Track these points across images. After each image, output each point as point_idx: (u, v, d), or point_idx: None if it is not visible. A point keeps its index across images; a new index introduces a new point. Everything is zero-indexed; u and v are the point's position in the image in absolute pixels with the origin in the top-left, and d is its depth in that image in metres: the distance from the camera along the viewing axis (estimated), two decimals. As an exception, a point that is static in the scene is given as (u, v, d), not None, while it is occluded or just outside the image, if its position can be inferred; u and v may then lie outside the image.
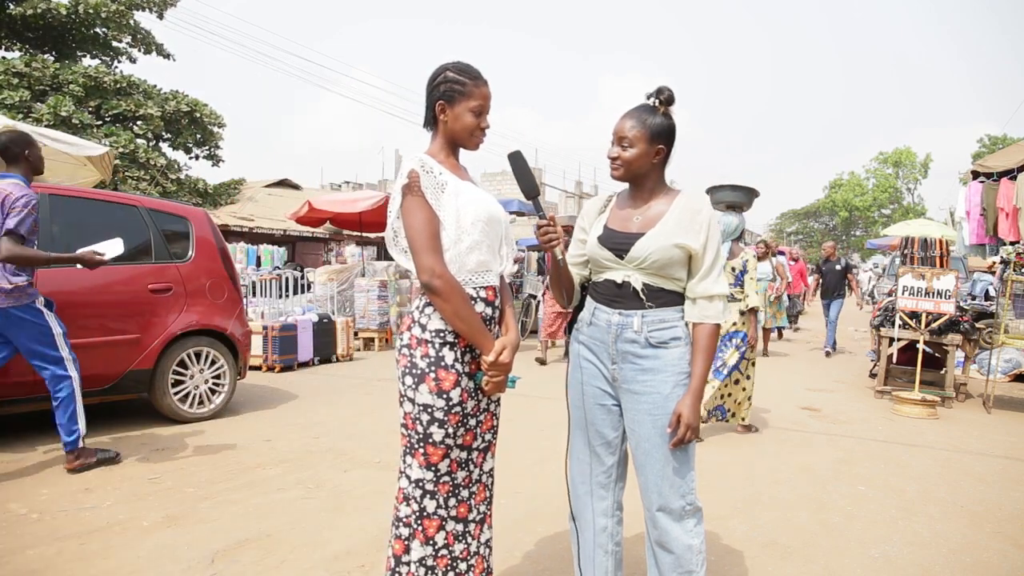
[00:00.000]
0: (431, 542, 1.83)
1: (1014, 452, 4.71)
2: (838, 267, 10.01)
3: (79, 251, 3.62)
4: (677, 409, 1.83)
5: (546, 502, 3.32)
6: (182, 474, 3.73)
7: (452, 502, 1.87)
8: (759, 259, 7.85)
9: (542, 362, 8.15)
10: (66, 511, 3.14)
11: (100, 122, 15.38)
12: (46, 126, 12.13)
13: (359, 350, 9.17)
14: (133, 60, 17.88)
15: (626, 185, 2.01)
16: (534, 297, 10.85)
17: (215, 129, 17.93)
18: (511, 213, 10.05)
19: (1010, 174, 6.01)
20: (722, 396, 4.89)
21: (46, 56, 15.71)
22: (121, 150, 14.67)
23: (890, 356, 6.75)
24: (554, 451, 4.20)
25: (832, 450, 4.59)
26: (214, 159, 18.52)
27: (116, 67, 17.32)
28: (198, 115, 17.22)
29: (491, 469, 1.99)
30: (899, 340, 6.68)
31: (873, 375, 7.39)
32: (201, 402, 4.99)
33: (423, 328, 1.82)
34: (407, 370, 1.82)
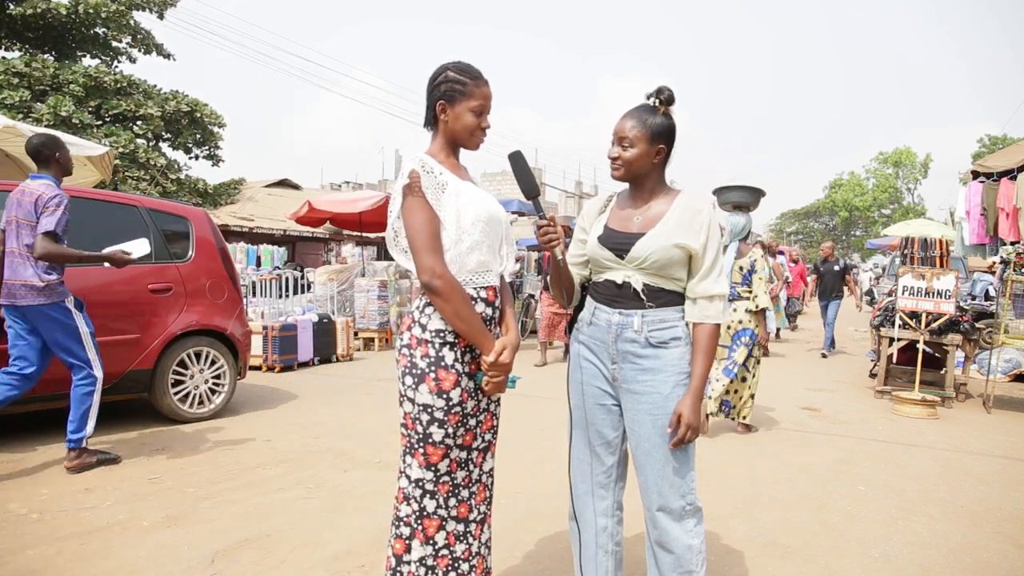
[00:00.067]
0: (431, 542, 1.83)
1: (1014, 452, 4.71)
2: (836, 268, 9.97)
3: (107, 250, 3.74)
4: (677, 409, 1.83)
5: (546, 502, 3.32)
6: (182, 474, 3.73)
7: (452, 502, 1.87)
8: None
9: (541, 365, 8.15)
10: (66, 511, 3.14)
11: (100, 122, 15.39)
12: (46, 126, 12.13)
13: (359, 350, 9.17)
14: (133, 60, 17.90)
15: (626, 185, 2.01)
16: (533, 297, 10.85)
17: (215, 129, 17.94)
18: (511, 213, 10.05)
19: (1010, 174, 6.01)
20: (727, 392, 4.94)
21: (46, 56, 15.71)
22: (121, 150, 14.68)
23: (890, 356, 6.75)
24: (554, 451, 4.20)
25: (832, 450, 4.59)
26: (214, 159, 18.52)
27: (116, 67, 17.33)
28: (198, 115, 17.23)
29: (491, 469, 1.99)
30: (899, 340, 6.68)
31: (873, 375, 7.39)
32: (201, 402, 4.99)
33: (423, 328, 1.82)
34: (407, 370, 1.82)
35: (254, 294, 9.55)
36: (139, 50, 17.45)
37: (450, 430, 1.81)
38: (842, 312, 10.26)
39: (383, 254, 16.70)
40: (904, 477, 4.02)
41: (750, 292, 4.89)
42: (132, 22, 16.63)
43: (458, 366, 1.81)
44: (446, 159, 1.90)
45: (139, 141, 16.07)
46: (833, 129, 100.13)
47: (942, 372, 6.70)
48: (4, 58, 14.56)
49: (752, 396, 4.95)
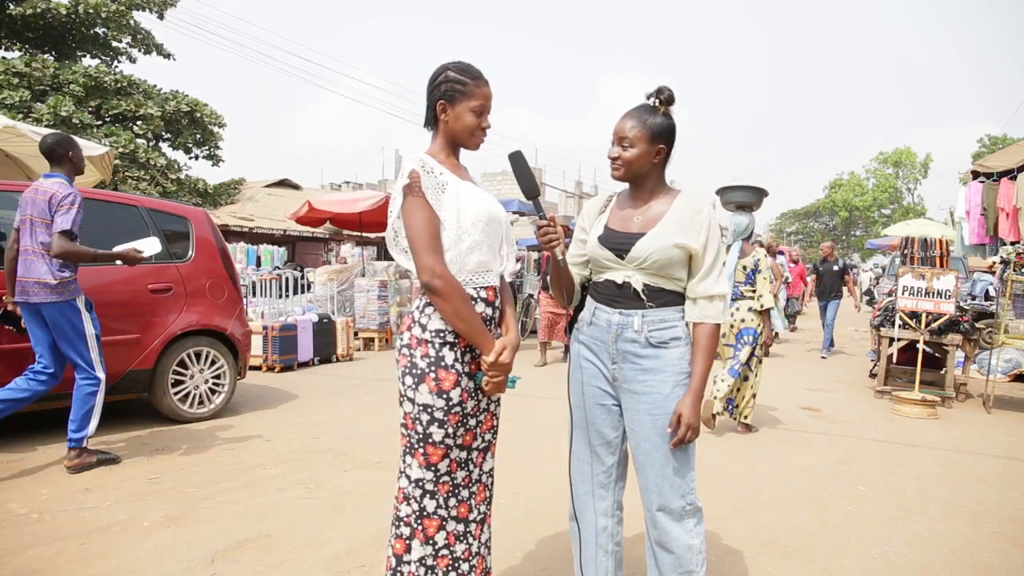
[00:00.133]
0: (431, 542, 1.83)
1: (1014, 452, 4.71)
2: (835, 268, 9.94)
3: (120, 248, 3.79)
4: (677, 409, 1.83)
5: (546, 502, 3.32)
6: (182, 474, 3.73)
7: (452, 502, 1.87)
8: None
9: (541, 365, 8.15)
10: (66, 511, 3.14)
11: (100, 122, 15.39)
12: (46, 126, 12.14)
13: (359, 350, 9.17)
14: (133, 60, 17.90)
15: (626, 185, 2.01)
16: (533, 296, 10.85)
17: (215, 129, 17.94)
18: (511, 213, 10.04)
19: (1010, 174, 6.01)
20: (717, 387, 4.95)
21: (46, 56, 15.71)
22: (121, 150, 14.68)
23: (890, 356, 6.75)
24: (554, 451, 4.20)
25: (832, 450, 4.59)
26: (214, 159, 18.53)
27: (116, 67, 17.33)
28: (198, 115, 17.23)
29: (491, 469, 1.99)
30: (899, 340, 6.68)
31: (873, 375, 7.39)
32: (201, 402, 4.99)
33: (423, 328, 1.82)
34: (407, 370, 1.82)
35: (254, 294, 9.55)
36: (139, 50, 17.45)
37: (450, 430, 1.81)
38: (841, 312, 10.25)
39: (383, 254, 16.70)
40: (904, 477, 4.02)
41: (753, 291, 4.92)
42: (132, 22, 16.63)
43: (458, 366, 1.81)
44: (446, 159, 1.90)
45: (139, 141, 16.07)
46: (833, 129, 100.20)
47: (942, 372, 6.70)
48: (4, 58, 14.56)
49: (754, 396, 4.98)
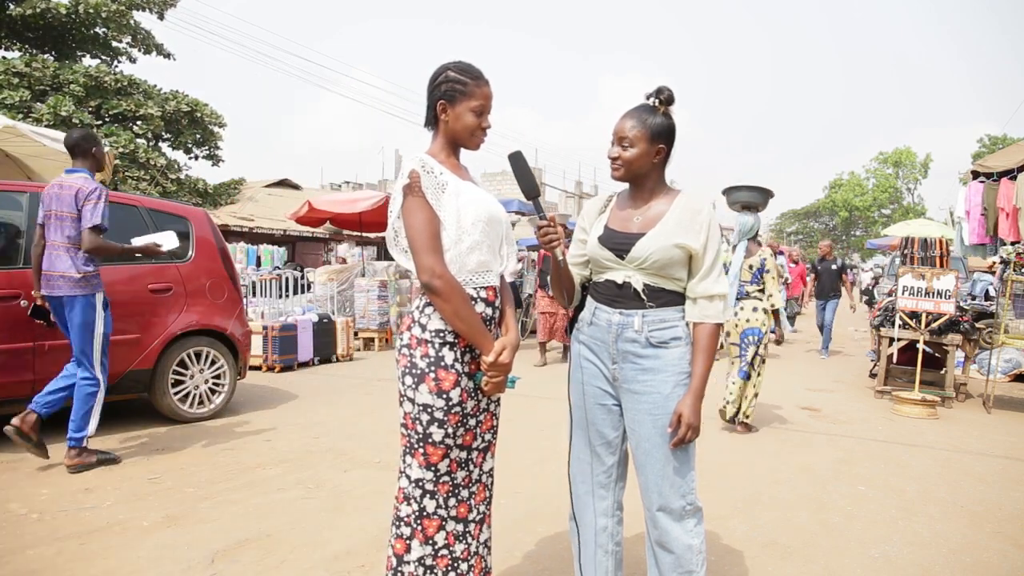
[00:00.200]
0: (431, 542, 1.83)
1: (1014, 452, 4.71)
2: (834, 267, 9.92)
3: (139, 243, 3.94)
4: (678, 409, 1.83)
5: (546, 502, 3.32)
6: (182, 474, 3.73)
7: (452, 502, 1.87)
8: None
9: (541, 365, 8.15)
10: (66, 511, 3.14)
11: (100, 122, 15.39)
12: (46, 126, 12.13)
13: (359, 350, 9.17)
14: (133, 60, 17.91)
15: (626, 185, 2.01)
16: (531, 296, 10.85)
17: (215, 129, 17.94)
18: (511, 213, 10.04)
19: (1010, 174, 6.01)
20: (728, 391, 5.02)
21: (46, 56, 15.71)
22: (121, 150, 14.68)
23: (890, 356, 6.75)
24: (554, 451, 4.20)
25: (832, 450, 4.59)
26: (214, 159, 18.52)
27: (116, 67, 17.33)
28: (198, 115, 17.23)
29: (491, 469, 1.99)
30: (899, 340, 6.68)
31: (873, 375, 7.39)
32: (201, 402, 4.99)
33: (423, 328, 1.82)
34: (407, 370, 1.82)
35: (254, 294, 9.55)
36: (139, 50, 17.45)
37: (450, 430, 1.81)
38: (839, 312, 10.23)
39: (383, 254, 16.70)
40: (904, 477, 4.02)
41: (760, 291, 4.95)
42: (132, 22, 16.62)
43: (458, 366, 1.81)
44: (446, 159, 1.90)
45: (139, 141, 16.06)
46: (833, 129, 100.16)
47: (942, 372, 6.70)
48: (4, 58, 14.56)
49: (755, 395, 5.00)
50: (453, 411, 1.80)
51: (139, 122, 16.41)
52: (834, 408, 6.05)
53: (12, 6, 14.94)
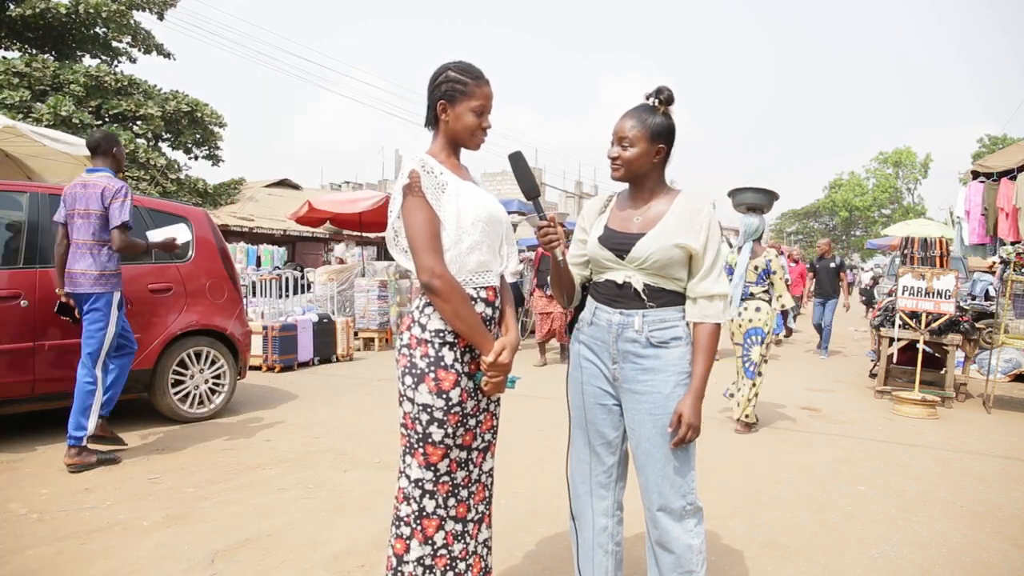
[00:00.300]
0: (430, 541, 1.83)
1: (1014, 452, 4.71)
2: (832, 265, 9.91)
3: (158, 238, 4.08)
4: (678, 409, 1.83)
5: (546, 502, 3.32)
6: (182, 474, 3.73)
7: (451, 502, 1.87)
8: None
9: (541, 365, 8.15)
10: (66, 511, 3.14)
11: (100, 122, 15.38)
12: (46, 126, 12.13)
13: (359, 350, 9.17)
14: (133, 60, 17.90)
15: (626, 185, 2.01)
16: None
17: (215, 129, 17.93)
18: (512, 214, 10.03)
19: (1010, 174, 6.01)
20: (738, 389, 5.07)
21: (46, 56, 15.71)
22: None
23: (890, 356, 6.74)
24: (554, 451, 4.20)
25: (832, 450, 4.59)
26: (214, 159, 18.52)
27: (116, 67, 17.33)
28: (198, 115, 17.23)
29: (491, 469, 1.99)
30: (899, 340, 6.68)
31: (873, 375, 7.39)
32: (201, 402, 4.99)
33: (423, 328, 1.82)
34: (407, 370, 1.82)
35: (254, 294, 9.55)
36: (139, 50, 17.44)
37: (449, 430, 1.80)
38: (838, 312, 10.21)
39: (383, 254, 16.70)
40: (904, 477, 4.02)
41: (765, 292, 5.04)
42: (132, 22, 16.62)
43: (458, 366, 1.81)
44: (447, 159, 1.90)
45: (139, 141, 16.07)
46: (833, 129, 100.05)
47: (942, 372, 6.70)
48: (4, 58, 14.56)
49: (756, 395, 5.04)
50: (453, 411, 1.80)
51: (139, 122, 16.41)
52: (834, 408, 6.05)
53: (12, 6, 14.93)
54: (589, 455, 2.03)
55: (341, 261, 12.76)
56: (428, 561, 1.84)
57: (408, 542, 1.83)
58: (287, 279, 10.00)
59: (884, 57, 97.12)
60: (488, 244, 1.86)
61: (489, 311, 1.87)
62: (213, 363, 5.07)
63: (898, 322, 6.49)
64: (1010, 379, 7.68)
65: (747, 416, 4.98)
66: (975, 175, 6.40)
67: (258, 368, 7.33)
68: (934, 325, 6.34)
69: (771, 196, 5.18)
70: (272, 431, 4.73)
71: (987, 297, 10.81)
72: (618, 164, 1.91)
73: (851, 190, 49.91)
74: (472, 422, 1.88)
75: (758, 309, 4.99)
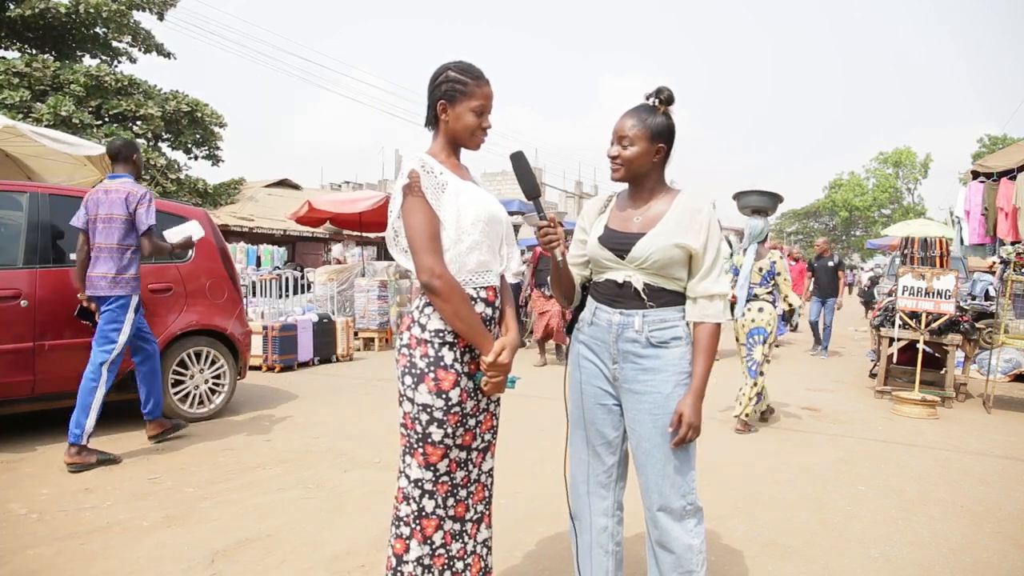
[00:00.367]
0: (429, 541, 1.83)
1: (1014, 452, 4.71)
2: (830, 264, 9.91)
3: (176, 239, 4.20)
4: (679, 409, 1.83)
5: (546, 502, 3.32)
6: (182, 474, 3.73)
7: (450, 502, 1.87)
8: None
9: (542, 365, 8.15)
10: (66, 511, 3.14)
11: (100, 122, 15.38)
12: (46, 126, 12.13)
13: (359, 350, 9.17)
14: (133, 60, 17.91)
15: (626, 186, 2.01)
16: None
17: (215, 129, 17.94)
18: (511, 214, 10.03)
19: (1010, 174, 6.01)
20: (740, 390, 5.09)
21: (46, 56, 15.70)
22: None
23: (890, 356, 6.74)
24: (554, 451, 4.19)
25: (832, 450, 4.59)
26: (214, 159, 18.52)
27: (116, 67, 17.33)
28: (199, 115, 17.23)
29: (490, 469, 1.99)
30: (899, 340, 6.68)
31: (873, 375, 7.39)
32: (201, 402, 4.99)
33: (423, 328, 1.82)
34: (406, 370, 1.82)
35: (254, 294, 9.55)
36: (139, 50, 17.45)
37: (449, 430, 1.80)
38: (837, 312, 10.20)
39: (383, 254, 16.70)
40: (904, 477, 4.02)
41: (769, 293, 5.12)
42: (132, 22, 16.62)
43: (457, 366, 1.81)
44: (447, 159, 1.90)
45: (139, 141, 16.07)
46: (833, 129, 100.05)
47: (942, 372, 6.70)
48: (4, 58, 14.56)
49: (757, 395, 5.06)
50: (452, 411, 1.80)
51: (139, 122, 16.41)
52: (834, 408, 6.05)
53: (12, 6, 14.93)
54: (589, 455, 2.03)
55: (339, 261, 12.77)
56: (427, 561, 1.84)
57: (408, 542, 1.83)
58: (287, 279, 10.01)
59: (884, 57, 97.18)
60: (488, 244, 1.86)
61: (489, 311, 1.87)
62: (213, 363, 5.07)
63: (898, 322, 6.49)
64: (1010, 379, 7.68)
65: (747, 415, 5.00)
66: (975, 175, 6.40)
67: (258, 368, 7.33)
68: (934, 325, 6.34)
69: (776, 199, 5.24)
70: (272, 431, 4.73)
71: (987, 297, 10.81)
72: (618, 163, 1.91)
73: (851, 190, 49.92)
74: (472, 422, 1.87)
75: (761, 310, 5.05)
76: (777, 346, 10.86)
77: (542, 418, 5.15)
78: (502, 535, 2.77)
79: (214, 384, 5.09)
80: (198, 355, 4.97)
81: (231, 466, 3.89)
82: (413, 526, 1.82)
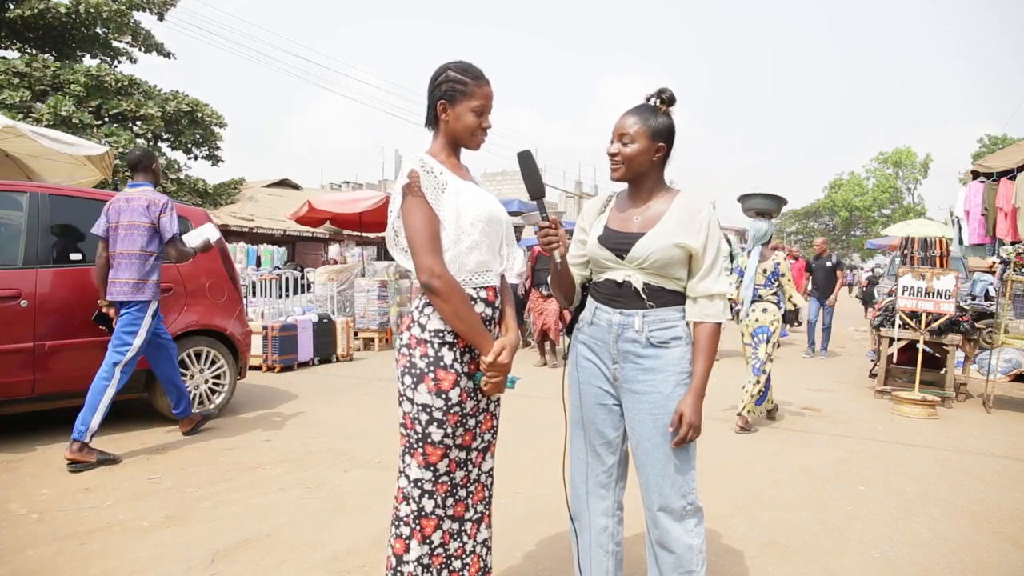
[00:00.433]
0: (428, 541, 1.83)
1: (1014, 452, 4.71)
2: (829, 264, 9.91)
3: (195, 243, 4.28)
4: (679, 408, 1.83)
5: (546, 502, 3.32)
6: (182, 474, 3.73)
7: (450, 502, 1.87)
8: None
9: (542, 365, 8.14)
10: (66, 511, 3.14)
11: (100, 122, 15.37)
12: (46, 126, 12.13)
13: (359, 350, 9.16)
14: (133, 60, 17.90)
15: (626, 186, 2.01)
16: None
17: (215, 129, 17.93)
18: (511, 214, 10.02)
19: (1010, 174, 6.01)
20: (743, 387, 5.12)
21: (46, 56, 15.70)
22: (121, 150, 14.66)
23: (890, 356, 6.74)
24: (554, 451, 4.19)
25: (832, 450, 4.59)
26: (214, 159, 18.52)
27: (116, 67, 17.33)
28: (198, 115, 17.22)
29: (490, 469, 1.99)
30: (899, 340, 6.68)
31: (873, 375, 7.39)
32: (201, 402, 4.99)
33: (422, 328, 1.82)
34: (406, 370, 1.82)
35: (254, 294, 9.55)
36: (139, 50, 17.44)
37: (449, 430, 1.80)
38: (836, 312, 10.20)
39: (383, 254, 16.71)
40: (904, 477, 4.02)
41: (773, 294, 5.23)
42: (132, 22, 16.61)
43: (457, 366, 1.81)
44: (447, 159, 1.90)
45: (139, 141, 16.07)
46: (833, 129, 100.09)
47: (942, 372, 6.70)
48: (4, 58, 14.56)
49: (760, 392, 5.10)
50: (452, 411, 1.80)
51: (139, 122, 16.40)
52: (834, 408, 6.05)
53: (12, 6, 14.93)
54: (589, 455, 2.03)
55: (336, 261, 12.77)
56: (426, 561, 1.84)
57: (408, 542, 1.83)
58: (287, 279, 10.00)
59: (884, 57, 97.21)
60: (488, 244, 1.86)
61: (489, 311, 1.87)
62: (213, 363, 5.07)
63: (898, 322, 6.49)
64: (1010, 379, 7.68)
65: (749, 412, 5.02)
66: (975, 175, 6.39)
67: (258, 368, 7.33)
68: (934, 325, 6.34)
69: (780, 202, 5.32)
70: (272, 431, 4.73)
71: (987, 297, 10.81)
72: (618, 161, 1.91)
73: (851, 190, 49.92)
74: (472, 422, 1.87)
75: (765, 310, 5.17)
76: (778, 346, 10.87)
77: (542, 418, 5.15)
78: (502, 535, 2.77)
79: (214, 384, 5.09)
80: (198, 355, 4.97)
81: (231, 466, 3.89)
82: (413, 526, 1.82)
